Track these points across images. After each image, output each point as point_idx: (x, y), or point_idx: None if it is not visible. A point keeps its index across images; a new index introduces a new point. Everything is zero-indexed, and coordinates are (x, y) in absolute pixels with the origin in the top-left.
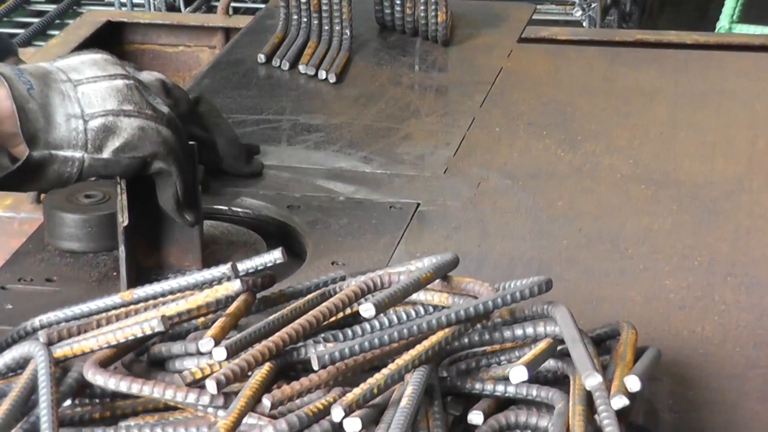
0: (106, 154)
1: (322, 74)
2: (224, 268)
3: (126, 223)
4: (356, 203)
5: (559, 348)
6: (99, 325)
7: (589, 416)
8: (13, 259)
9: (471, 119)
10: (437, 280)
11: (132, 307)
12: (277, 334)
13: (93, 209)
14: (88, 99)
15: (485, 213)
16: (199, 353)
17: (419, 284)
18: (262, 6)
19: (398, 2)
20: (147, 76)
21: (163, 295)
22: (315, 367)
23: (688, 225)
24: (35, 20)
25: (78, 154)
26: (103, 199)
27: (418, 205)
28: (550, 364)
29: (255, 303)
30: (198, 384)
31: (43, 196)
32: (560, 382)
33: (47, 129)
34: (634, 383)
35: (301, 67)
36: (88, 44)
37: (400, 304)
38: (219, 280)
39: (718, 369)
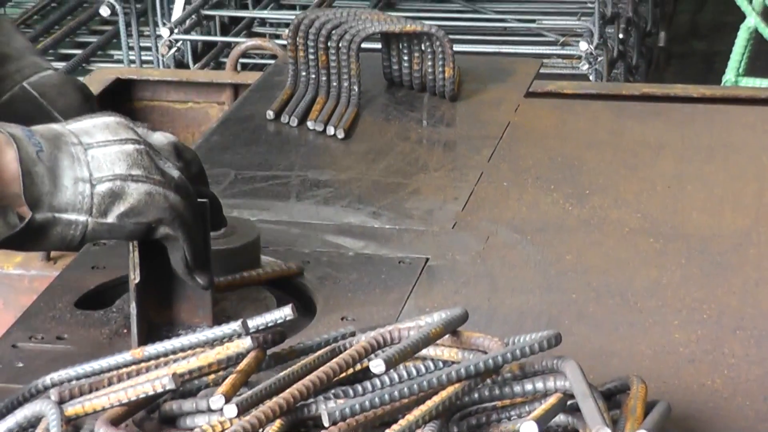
0: (110, 218)
1: (331, 130)
2: (235, 325)
3: (137, 280)
4: (365, 258)
5: (569, 402)
6: (110, 383)
7: None
8: (23, 317)
9: (479, 174)
10: (447, 335)
11: (143, 364)
12: (288, 390)
13: None
14: (97, 163)
15: (494, 267)
16: (210, 410)
17: (429, 340)
18: (270, 62)
19: (405, 58)
20: (159, 137)
21: (174, 352)
22: (326, 423)
23: (697, 278)
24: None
25: (82, 218)
26: None
27: (427, 260)
28: (561, 419)
29: (265, 359)
30: None
31: (53, 254)
32: None
33: (53, 192)
34: None
35: (310, 124)
36: (98, 101)
37: (410, 360)
38: (230, 337)
39: (729, 423)
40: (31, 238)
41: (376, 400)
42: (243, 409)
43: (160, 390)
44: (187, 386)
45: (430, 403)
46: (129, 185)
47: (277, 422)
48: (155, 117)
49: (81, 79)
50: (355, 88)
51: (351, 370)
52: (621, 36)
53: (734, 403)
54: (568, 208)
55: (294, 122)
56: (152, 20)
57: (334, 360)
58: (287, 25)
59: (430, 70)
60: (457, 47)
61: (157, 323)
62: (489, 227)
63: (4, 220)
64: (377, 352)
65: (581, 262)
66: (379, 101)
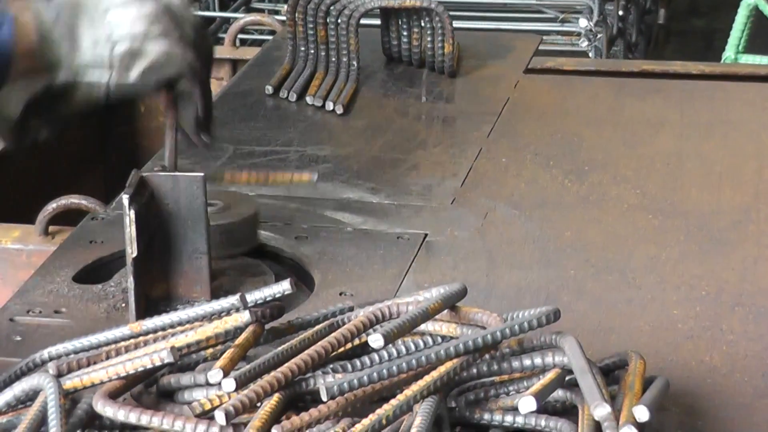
0: (132, 75)
1: (329, 105)
2: (233, 299)
3: (135, 254)
4: (364, 234)
5: (567, 378)
6: (108, 357)
7: None
8: (21, 291)
9: (478, 150)
10: (445, 311)
11: (141, 338)
12: (286, 365)
13: None
14: (116, 24)
15: (493, 243)
16: (208, 384)
17: (427, 315)
18: (269, 37)
19: (405, 33)
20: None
21: (172, 326)
22: (324, 398)
23: (696, 255)
24: None
25: (105, 77)
26: None
27: (426, 235)
28: (559, 394)
29: (264, 334)
30: (207, 415)
31: (51, 228)
32: (569, 412)
33: (72, 54)
34: (642, 413)
35: (309, 99)
36: None
37: (408, 335)
38: (228, 312)
39: (727, 399)
40: (56, 101)
41: (374, 375)
42: (241, 384)
43: (158, 363)
44: (185, 360)
45: (428, 378)
46: (149, 44)
47: (275, 396)
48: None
49: None
50: (354, 63)
51: (349, 345)
52: (620, 13)
53: (732, 379)
54: (567, 184)
55: (293, 97)
56: None
57: (333, 335)
58: (286, 0)
59: (429, 45)
60: (456, 23)
61: (155, 297)
62: (488, 203)
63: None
64: (376, 326)
65: (580, 238)
66: (378, 77)
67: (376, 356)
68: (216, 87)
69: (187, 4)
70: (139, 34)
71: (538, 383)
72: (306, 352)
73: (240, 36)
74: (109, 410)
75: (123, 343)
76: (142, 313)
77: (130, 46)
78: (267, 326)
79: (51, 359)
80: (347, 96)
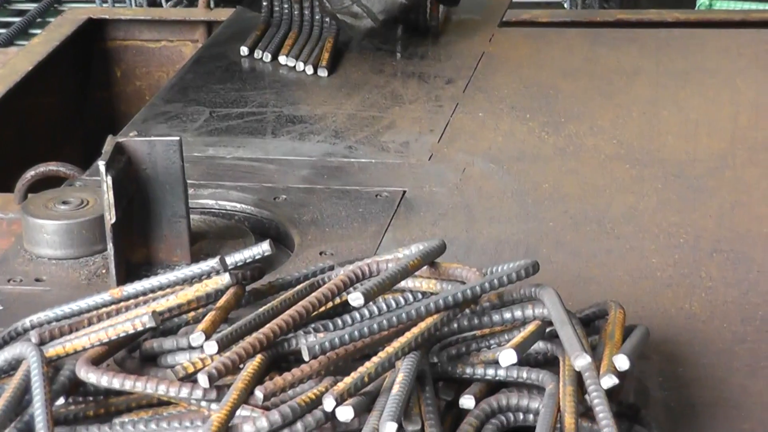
0: None
1: (309, 69)
2: (213, 262)
3: (113, 220)
4: (342, 193)
5: (547, 330)
6: (90, 323)
7: (579, 396)
8: (1, 260)
9: (454, 105)
10: (425, 267)
11: (122, 304)
12: (268, 326)
13: (71, 216)
14: None
15: (471, 198)
16: (191, 348)
17: (407, 271)
18: None
19: None
20: None
21: (152, 291)
22: (306, 357)
23: (673, 203)
24: (16, 19)
25: None
26: (80, 205)
27: (404, 192)
28: (540, 346)
29: (245, 296)
30: (190, 378)
31: (29, 195)
32: (550, 363)
33: None
34: (623, 362)
35: (282, 59)
36: (70, 42)
37: (388, 292)
38: (208, 274)
39: (707, 345)
40: None
41: (356, 333)
42: (223, 346)
43: (140, 328)
44: (167, 324)
45: (409, 335)
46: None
47: (258, 357)
48: (129, 56)
49: (52, 20)
50: (328, 19)
51: (330, 304)
52: None
53: (712, 325)
54: (544, 136)
55: (267, 58)
56: None
57: (313, 294)
58: None
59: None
60: None
61: (136, 263)
62: (465, 158)
63: None
64: (356, 285)
65: (558, 190)
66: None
67: (357, 314)
68: (191, 49)
69: None
70: None
71: (519, 336)
72: (287, 312)
73: None
74: (92, 376)
75: (104, 309)
76: (123, 278)
77: None
78: (248, 288)
79: (33, 327)
80: (326, 55)
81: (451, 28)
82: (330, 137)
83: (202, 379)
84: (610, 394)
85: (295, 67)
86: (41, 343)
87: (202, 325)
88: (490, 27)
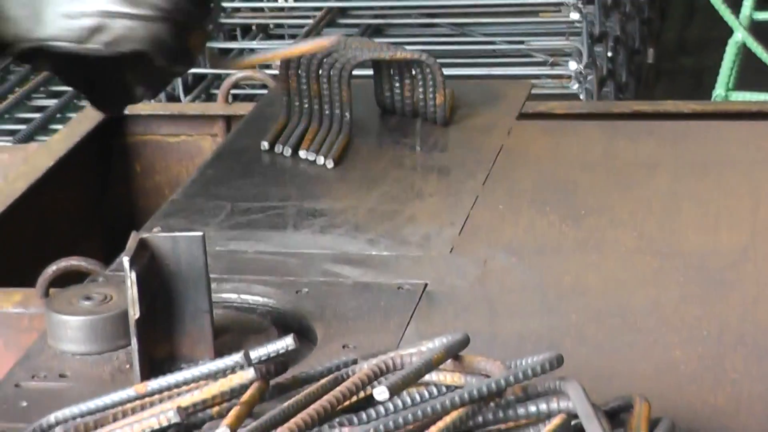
0: (96, 45)
1: (320, 160)
2: (237, 357)
3: (137, 315)
4: (364, 286)
5: (573, 423)
6: (115, 419)
7: None
8: (25, 356)
9: (474, 198)
10: (449, 360)
11: (147, 399)
12: (293, 420)
13: (94, 311)
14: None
15: (493, 291)
16: None
17: (431, 365)
18: (261, 91)
19: (397, 85)
20: None
21: (177, 386)
22: None
23: (696, 296)
24: (36, 116)
25: (70, 45)
26: (104, 300)
27: (426, 285)
28: None
29: (269, 390)
30: None
31: (51, 290)
32: None
33: (35, 27)
34: None
35: (302, 153)
36: (90, 138)
37: (413, 386)
38: (232, 369)
39: None
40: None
41: (381, 427)
42: None
43: (165, 424)
44: (192, 419)
45: (434, 429)
46: (113, 21)
47: None
48: (148, 151)
49: (72, 115)
50: (347, 115)
51: (355, 398)
52: (609, 54)
53: (737, 419)
54: (565, 229)
55: (288, 152)
56: None
57: (338, 388)
58: None
59: (421, 96)
60: (447, 70)
61: (159, 358)
62: (486, 251)
63: None
64: (380, 379)
65: (579, 283)
66: (372, 128)
67: (382, 408)
68: (210, 143)
69: None
70: (104, 12)
71: (545, 429)
72: (312, 406)
73: (232, 91)
74: None
75: (129, 405)
76: (147, 374)
77: (95, 22)
78: (272, 382)
79: (58, 423)
80: (339, 149)
81: (469, 121)
82: (351, 230)
83: None
84: None
85: (315, 160)
86: None
87: (227, 420)
88: (508, 120)
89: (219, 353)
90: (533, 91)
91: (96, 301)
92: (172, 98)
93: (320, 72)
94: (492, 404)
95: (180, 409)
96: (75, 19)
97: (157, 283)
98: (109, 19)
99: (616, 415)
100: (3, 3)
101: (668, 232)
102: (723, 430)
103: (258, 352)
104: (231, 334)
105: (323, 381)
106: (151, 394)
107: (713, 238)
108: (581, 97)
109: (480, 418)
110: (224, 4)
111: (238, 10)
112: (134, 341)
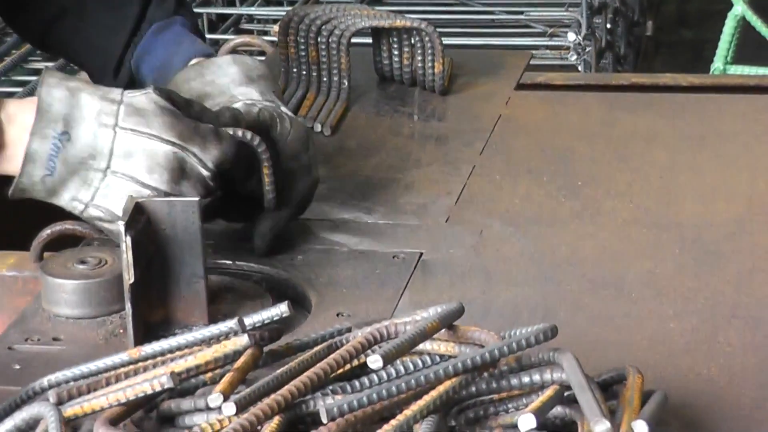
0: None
1: (317, 127)
2: (231, 323)
3: (132, 280)
4: (360, 254)
5: (566, 394)
6: (108, 383)
7: None
8: (19, 319)
9: (471, 167)
10: (443, 330)
11: (140, 364)
12: (286, 387)
13: (89, 275)
14: (106, 192)
15: (488, 261)
16: (209, 409)
17: (425, 334)
18: (259, 58)
19: (396, 53)
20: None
21: (171, 351)
22: (324, 419)
23: (691, 267)
24: (33, 78)
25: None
26: (98, 264)
27: (422, 254)
28: (558, 410)
29: (262, 357)
30: None
31: (45, 254)
32: (568, 428)
33: (48, 198)
34: (641, 428)
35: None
36: None
37: (407, 355)
38: (226, 335)
39: (725, 410)
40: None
41: (374, 395)
42: (241, 407)
43: (158, 389)
44: (185, 385)
45: (427, 398)
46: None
47: (276, 419)
48: None
49: None
50: (345, 82)
51: (348, 366)
52: (609, 26)
53: (730, 391)
54: (561, 199)
55: None
56: None
57: (331, 356)
58: (275, 21)
59: (420, 65)
60: (446, 40)
61: (153, 323)
62: (482, 220)
63: None
64: (374, 347)
65: (575, 253)
66: (370, 96)
67: (375, 377)
68: None
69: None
70: (113, 213)
71: (537, 400)
72: (305, 374)
73: None
74: None
75: (122, 369)
76: (141, 338)
77: (99, 215)
78: (265, 349)
79: (51, 387)
80: (336, 117)
81: (468, 90)
82: (347, 198)
83: None
84: None
85: (312, 127)
86: (59, 402)
87: (220, 386)
88: (506, 90)
89: (213, 319)
90: (531, 62)
91: (90, 264)
92: None
93: (319, 39)
94: (485, 374)
95: (173, 375)
96: (84, 205)
97: (153, 248)
98: (114, 223)
99: (609, 387)
100: (32, 187)
101: (665, 204)
102: (716, 401)
103: (252, 319)
104: (225, 300)
105: (317, 348)
106: (145, 359)
107: (710, 209)
108: (579, 68)
109: (473, 388)
110: None
111: None
112: (128, 306)
